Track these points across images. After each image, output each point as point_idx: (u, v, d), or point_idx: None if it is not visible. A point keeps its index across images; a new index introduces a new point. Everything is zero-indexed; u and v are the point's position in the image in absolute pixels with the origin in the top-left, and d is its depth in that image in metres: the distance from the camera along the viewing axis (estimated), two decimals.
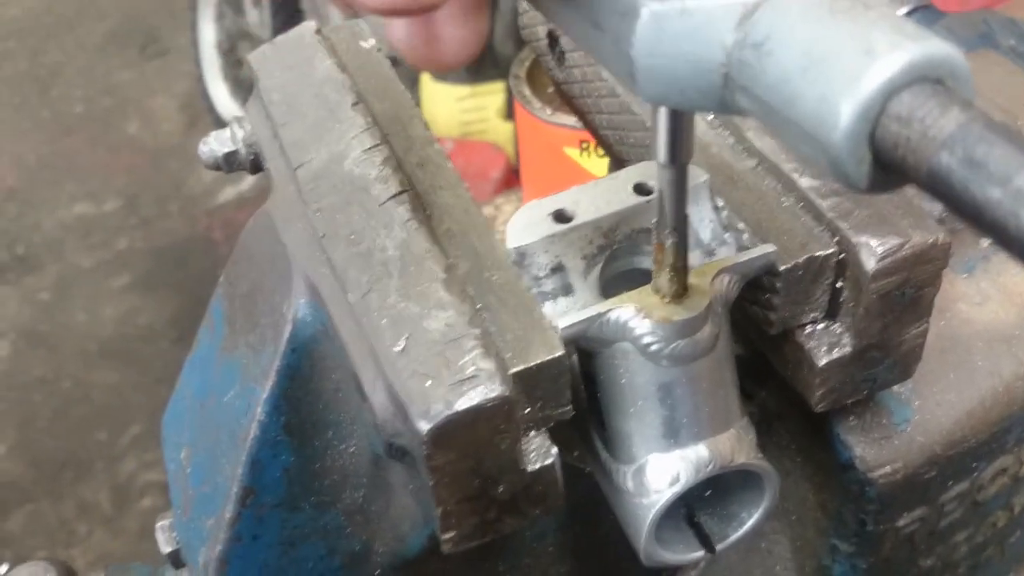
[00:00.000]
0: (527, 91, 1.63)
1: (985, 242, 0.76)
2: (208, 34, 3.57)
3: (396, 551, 0.69)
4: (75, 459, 2.84)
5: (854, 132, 0.36)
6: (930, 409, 0.71)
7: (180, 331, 3.01)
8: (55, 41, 4.28)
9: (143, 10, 4.33)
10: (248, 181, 3.47)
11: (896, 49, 0.35)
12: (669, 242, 0.54)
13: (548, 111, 1.59)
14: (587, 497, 0.76)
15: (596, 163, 1.56)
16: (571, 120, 1.53)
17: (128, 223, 3.54)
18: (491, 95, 2.61)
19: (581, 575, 0.82)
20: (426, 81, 2.63)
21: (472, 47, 0.53)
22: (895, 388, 0.70)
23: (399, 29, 0.52)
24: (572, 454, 0.71)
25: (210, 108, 3.53)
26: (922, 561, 0.81)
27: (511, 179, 2.41)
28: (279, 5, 3.15)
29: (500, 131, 2.61)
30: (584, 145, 1.55)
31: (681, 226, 0.53)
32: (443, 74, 2.59)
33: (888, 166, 0.36)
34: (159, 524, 0.72)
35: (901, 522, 0.74)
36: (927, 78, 0.35)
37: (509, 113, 2.55)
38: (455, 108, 2.62)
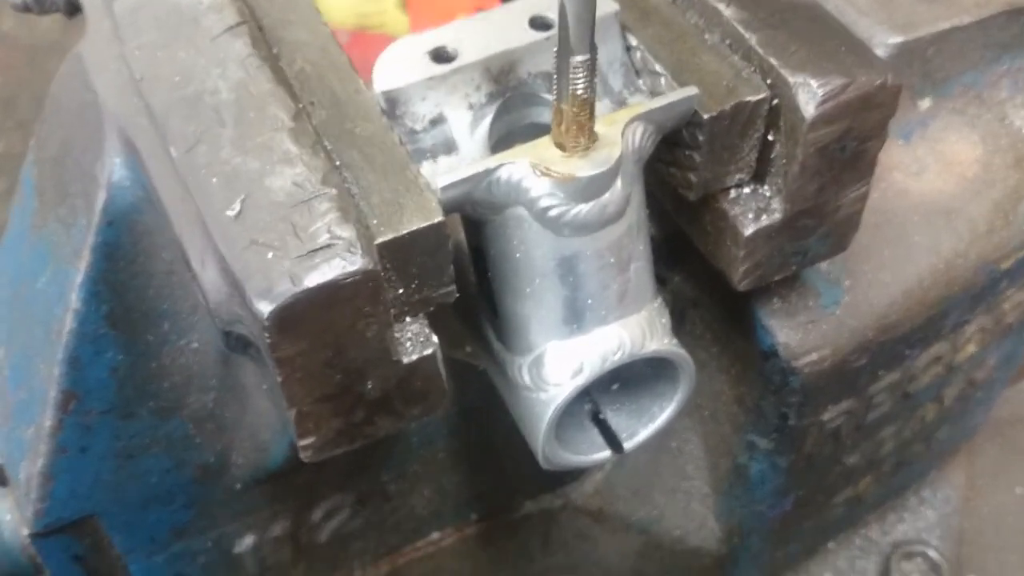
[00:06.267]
0: None
1: (924, 104, 0.68)
2: None
3: (257, 462, 0.59)
4: None
5: None
6: (862, 289, 0.63)
7: None
8: None
9: None
10: None
11: None
12: (572, 78, 0.44)
13: None
14: (481, 399, 0.67)
15: None
16: None
17: (4, 126, 3.30)
18: None
19: (476, 485, 0.74)
20: None
21: None
22: (824, 267, 0.62)
23: None
24: (464, 350, 0.62)
25: None
26: (846, 458, 0.74)
27: None
28: None
29: (399, 23, 2.45)
30: None
31: (588, 56, 0.43)
32: None
33: None
34: None
35: (826, 415, 0.68)
36: None
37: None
38: None
